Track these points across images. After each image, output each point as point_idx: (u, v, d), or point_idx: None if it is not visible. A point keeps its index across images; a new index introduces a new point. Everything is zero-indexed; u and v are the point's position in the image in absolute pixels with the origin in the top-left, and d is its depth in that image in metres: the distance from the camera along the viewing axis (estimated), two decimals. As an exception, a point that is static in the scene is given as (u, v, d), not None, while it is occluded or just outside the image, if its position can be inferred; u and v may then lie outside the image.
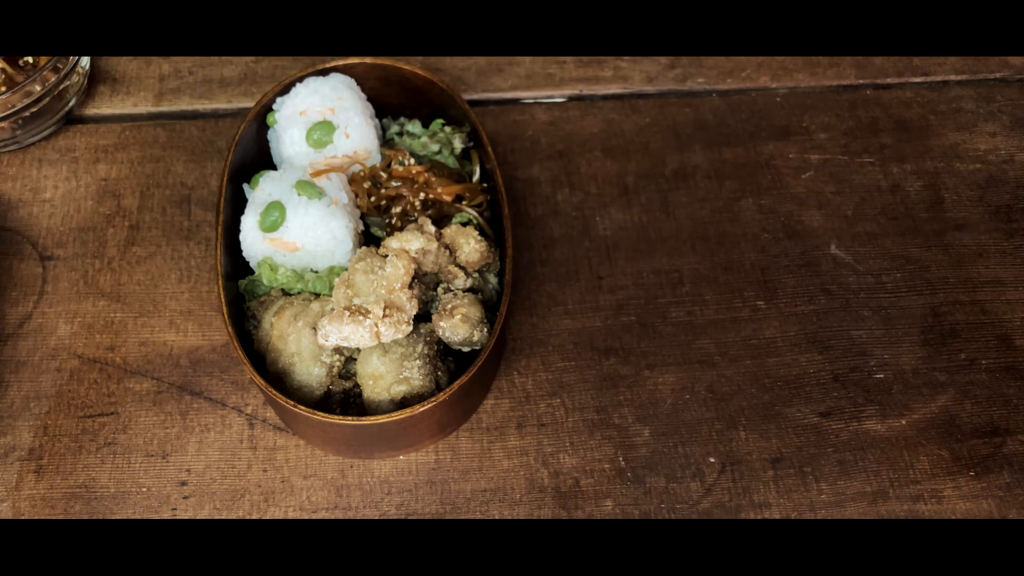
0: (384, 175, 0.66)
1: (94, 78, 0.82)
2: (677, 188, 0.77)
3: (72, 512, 0.63)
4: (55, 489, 0.63)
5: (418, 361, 0.59)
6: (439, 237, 0.62)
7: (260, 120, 0.69)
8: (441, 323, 0.60)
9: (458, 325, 0.59)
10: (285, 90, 0.68)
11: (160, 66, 0.83)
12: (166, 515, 0.63)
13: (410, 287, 0.59)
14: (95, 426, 0.66)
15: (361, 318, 0.56)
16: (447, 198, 0.66)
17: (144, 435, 0.66)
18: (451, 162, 0.69)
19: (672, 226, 0.75)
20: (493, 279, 0.65)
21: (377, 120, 0.70)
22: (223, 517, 0.63)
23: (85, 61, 0.78)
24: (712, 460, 0.65)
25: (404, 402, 0.59)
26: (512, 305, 0.70)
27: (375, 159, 0.68)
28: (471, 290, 0.63)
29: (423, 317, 0.62)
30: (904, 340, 0.70)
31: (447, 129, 0.70)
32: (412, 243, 0.60)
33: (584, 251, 0.74)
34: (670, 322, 0.71)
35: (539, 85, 0.82)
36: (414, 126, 0.71)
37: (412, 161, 0.67)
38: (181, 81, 0.82)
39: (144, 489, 0.64)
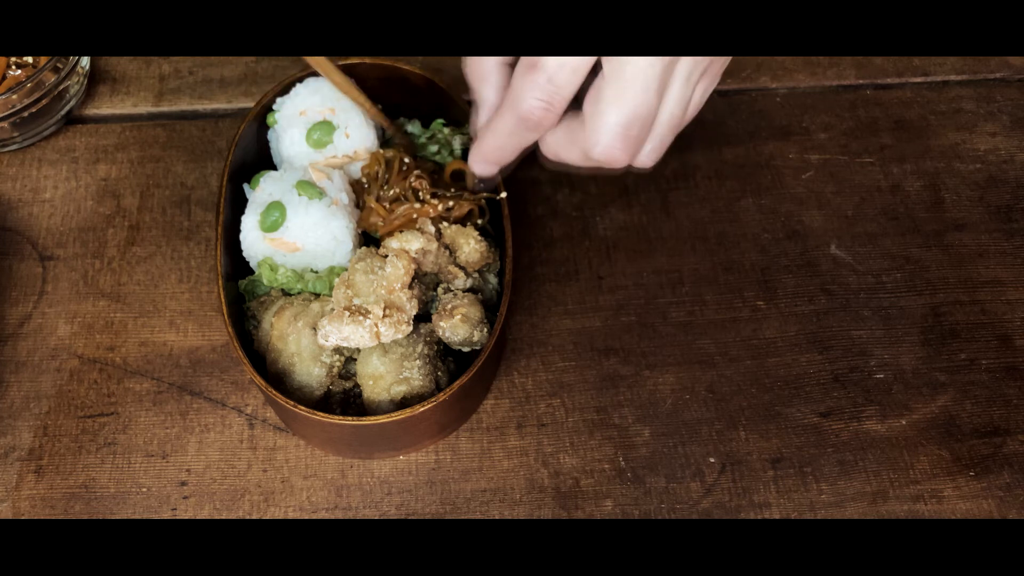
0: (384, 183, 0.65)
1: (94, 78, 0.82)
2: (677, 188, 0.77)
3: (72, 512, 0.63)
4: (55, 489, 0.63)
5: (418, 361, 0.59)
6: (439, 237, 0.62)
7: (260, 120, 0.69)
8: (441, 323, 0.60)
9: (458, 325, 0.59)
10: (285, 90, 0.68)
11: (160, 66, 0.83)
12: (166, 515, 0.63)
13: (410, 287, 0.59)
14: (95, 426, 0.66)
15: (361, 318, 0.56)
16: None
17: (144, 435, 0.66)
18: (451, 162, 0.69)
19: (672, 226, 0.75)
20: (493, 279, 0.65)
21: (377, 120, 0.70)
22: (223, 517, 0.63)
23: (85, 61, 0.78)
24: (712, 460, 0.65)
25: (404, 402, 0.59)
26: (512, 305, 0.70)
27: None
28: (471, 290, 0.63)
29: (423, 317, 0.62)
30: (904, 340, 0.70)
31: (447, 130, 0.70)
32: (412, 243, 0.60)
33: (584, 251, 0.74)
34: (670, 322, 0.71)
35: (539, 85, 0.82)
36: (414, 126, 0.71)
37: (409, 162, 0.66)
38: (181, 81, 0.82)
39: (144, 489, 0.64)
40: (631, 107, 0.50)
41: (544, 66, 0.50)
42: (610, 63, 0.50)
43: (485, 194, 0.66)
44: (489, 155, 0.57)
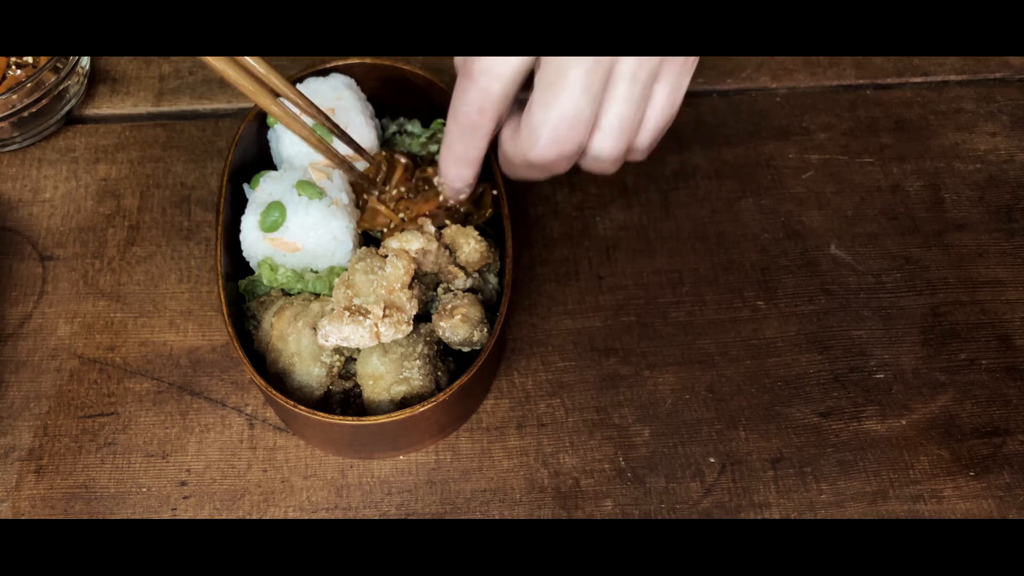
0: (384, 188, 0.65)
1: (94, 78, 0.82)
2: (677, 188, 0.77)
3: (72, 512, 0.63)
4: (55, 489, 0.64)
5: (418, 361, 0.59)
6: (439, 237, 0.62)
7: (260, 120, 0.69)
8: (441, 323, 0.60)
9: (458, 325, 0.59)
10: (285, 90, 0.68)
11: (160, 66, 0.83)
12: (166, 515, 0.63)
13: (410, 287, 0.59)
14: (95, 426, 0.66)
15: (361, 318, 0.56)
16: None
17: (144, 435, 0.66)
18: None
19: (672, 226, 0.75)
20: (493, 279, 0.65)
21: (377, 120, 0.70)
22: (223, 517, 0.63)
23: (85, 61, 0.78)
24: (712, 460, 0.65)
25: (404, 402, 0.59)
26: (512, 305, 0.70)
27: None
28: (471, 290, 0.63)
29: (423, 317, 0.62)
30: (904, 340, 0.70)
31: (447, 129, 0.70)
32: (412, 243, 0.60)
33: (584, 251, 0.74)
34: (670, 322, 0.71)
35: (539, 85, 0.82)
36: (414, 126, 0.71)
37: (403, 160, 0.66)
38: (181, 81, 0.82)
39: (144, 489, 0.64)
40: (558, 108, 0.50)
41: (472, 72, 0.51)
42: (541, 68, 0.50)
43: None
44: (451, 167, 0.59)
